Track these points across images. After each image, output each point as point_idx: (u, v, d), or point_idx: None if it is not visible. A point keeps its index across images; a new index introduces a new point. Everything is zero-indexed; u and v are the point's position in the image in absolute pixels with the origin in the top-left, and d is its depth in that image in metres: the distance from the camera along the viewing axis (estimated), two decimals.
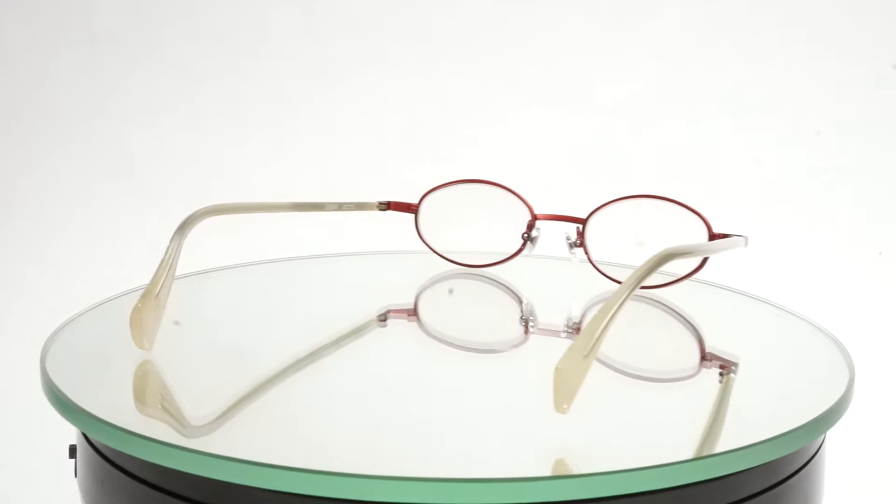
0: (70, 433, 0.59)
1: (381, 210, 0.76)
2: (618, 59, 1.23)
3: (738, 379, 0.61)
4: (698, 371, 0.59)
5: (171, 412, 0.57)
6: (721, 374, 0.58)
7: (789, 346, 0.66)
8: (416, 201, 0.75)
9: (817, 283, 1.16)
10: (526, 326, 0.67)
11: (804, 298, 0.84)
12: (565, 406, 0.50)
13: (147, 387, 0.60)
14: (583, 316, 0.68)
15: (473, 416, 0.55)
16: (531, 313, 0.69)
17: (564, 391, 0.50)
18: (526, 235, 0.70)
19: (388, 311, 0.70)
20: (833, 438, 0.60)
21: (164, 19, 1.25)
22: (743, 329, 0.67)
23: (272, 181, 1.22)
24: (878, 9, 1.20)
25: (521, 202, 0.71)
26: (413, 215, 0.75)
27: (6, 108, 1.26)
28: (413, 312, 0.70)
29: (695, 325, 0.66)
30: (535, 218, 0.70)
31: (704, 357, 0.61)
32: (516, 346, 0.65)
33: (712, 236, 0.65)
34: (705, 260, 0.65)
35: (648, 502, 0.48)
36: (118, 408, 0.54)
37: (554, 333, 0.65)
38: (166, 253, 0.63)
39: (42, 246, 1.23)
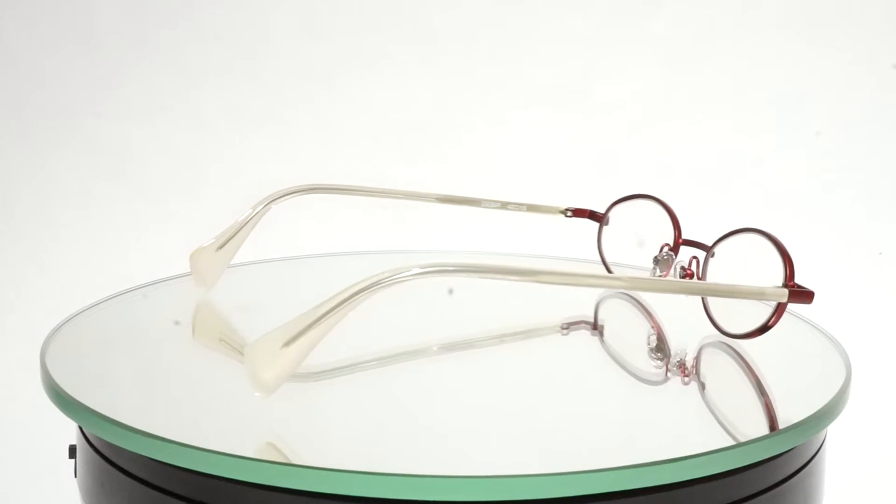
0: (70, 434, 0.59)
1: (566, 216, 0.74)
2: (618, 59, 1.23)
3: (737, 378, 0.61)
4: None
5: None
6: None
7: (788, 347, 0.66)
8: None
9: (817, 283, 1.15)
10: (660, 361, 0.65)
11: None
12: (259, 393, 0.49)
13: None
14: (695, 357, 0.64)
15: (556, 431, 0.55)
16: (664, 348, 0.67)
17: (259, 373, 0.49)
18: (656, 258, 0.68)
19: (581, 322, 0.69)
20: (833, 438, 0.60)
21: (164, 19, 1.25)
22: (742, 328, 0.67)
23: (272, 181, 1.22)
24: (878, 9, 1.20)
25: (671, 223, 0.69)
26: (598, 224, 0.73)
27: (6, 108, 1.26)
28: (595, 326, 0.70)
29: (770, 393, 0.63)
30: (678, 243, 0.68)
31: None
32: (658, 382, 0.63)
33: (787, 286, 0.60)
34: (781, 307, 0.61)
35: (650, 501, 0.48)
36: (117, 404, 0.54)
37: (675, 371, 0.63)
38: (249, 212, 0.67)
39: (42, 246, 1.23)
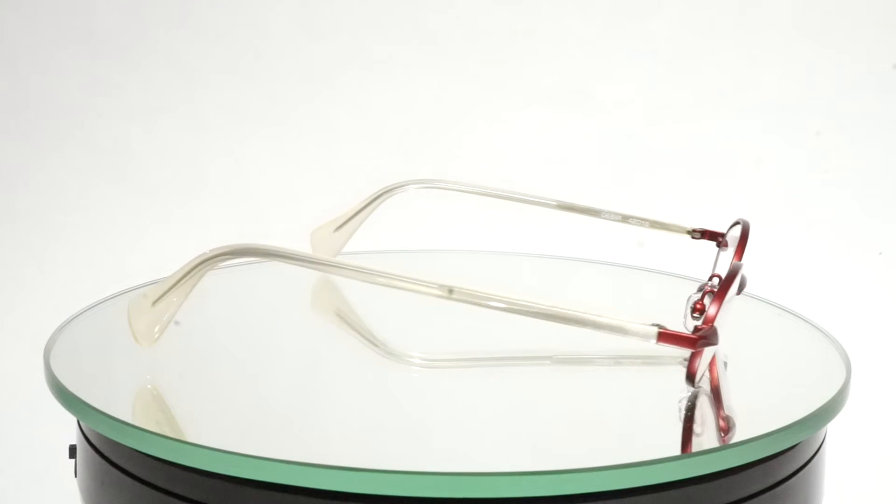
0: (70, 433, 0.59)
1: (693, 238, 0.70)
2: (617, 59, 1.23)
3: (738, 378, 0.61)
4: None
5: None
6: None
7: (788, 346, 0.66)
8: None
9: (817, 282, 1.15)
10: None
11: (804, 298, 0.84)
12: (135, 340, 0.58)
13: None
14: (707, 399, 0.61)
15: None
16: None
17: (133, 324, 0.58)
18: (700, 286, 0.65)
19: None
20: (833, 438, 0.60)
21: (164, 19, 1.25)
22: (742, 328, 0.67)
23: (272, 182, 1.22)
24: (878, 9, 1.20)
25: (738, 251, 0.65)
26: (718, 248, 0.69)
27: (6, 109, 1.26)
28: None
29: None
30: (731, 274, 0.62)
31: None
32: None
33: (697, 330, 0.55)
34: (695, 354, 0.54)
35: (650, 500, 0.48)
36: (118, 402, 0.54)
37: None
38: (366, 200, 0.71)
39: (42, 246, 1.23)
